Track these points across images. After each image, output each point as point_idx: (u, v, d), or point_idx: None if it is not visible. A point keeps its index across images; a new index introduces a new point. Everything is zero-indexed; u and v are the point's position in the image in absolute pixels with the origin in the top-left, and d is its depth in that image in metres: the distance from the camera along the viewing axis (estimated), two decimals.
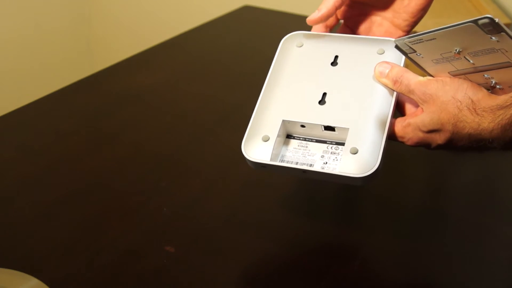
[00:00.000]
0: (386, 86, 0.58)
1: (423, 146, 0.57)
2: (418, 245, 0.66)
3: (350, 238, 0.67)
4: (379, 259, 0.64)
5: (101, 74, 1.06)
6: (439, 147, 0.56)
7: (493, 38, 0.50)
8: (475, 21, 0.49)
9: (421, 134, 0.56)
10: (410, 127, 0.56)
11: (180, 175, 0.76)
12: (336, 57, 0.61)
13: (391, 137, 0.57)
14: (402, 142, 0.57)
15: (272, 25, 1.41)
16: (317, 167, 0.55)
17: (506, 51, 0.51)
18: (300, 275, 0.60)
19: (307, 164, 0.56)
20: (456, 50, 0.53)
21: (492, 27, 0.49)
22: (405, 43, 0.55)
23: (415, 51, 0.56)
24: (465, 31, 0.51)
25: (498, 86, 0.54)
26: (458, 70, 0.55)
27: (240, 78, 1.07)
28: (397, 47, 0.56)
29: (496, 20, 0.48)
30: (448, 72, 0.56)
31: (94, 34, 2.37)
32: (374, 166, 0.54)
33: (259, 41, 1.29)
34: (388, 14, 0.65)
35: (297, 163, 0.56)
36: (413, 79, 0.56)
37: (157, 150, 0.81)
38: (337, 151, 0.57)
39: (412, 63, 0.58)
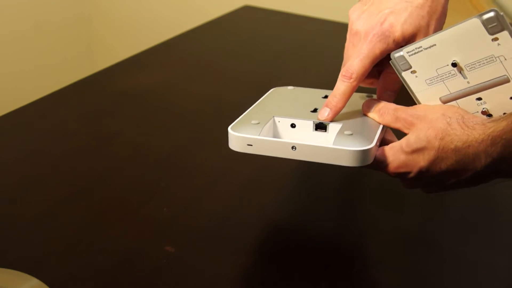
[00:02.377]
0: (373, 119, 0.58)
1: (402, 174, 0.54)
2: (417, 248, 0.66)
3: (350, 239, 0.67)
4: (378, 261, 0.64)
5: (101, 74, 1.06)
6: (420, 174, 0.53)
7: (494, 41, 0.50)
8: (479, 16, 0.50)
9: (402, 157, 0.53)
10: (392, 150, 0.54)
11: (180, 175, 0.76)
12: (326, 96, 0.63)
13: (369, 165, 0.54)
14: (380, 170, 0.55)
15: (272, 25, 1.41)
16: (308, 142, 0.53)
17: (505, 59, 0.51)
18: (300, 276, 0.60)
19: (297, 139, 0.54)
20: (453, 61, 0.53)
21: (497, 22, 0.49)
22: (402, 55, 0.55)
23: (410, 67, 0.55)
24: (467, 31, 0.51)
25: (489, 114, 0.54)
26: (450, 93, 0.55)
27: (240, 78, 1.07)
28: (392, 62, 0.56)
29: (501, 13, 0.49)
30: (440, 98, 0.56)
31: (94, 34, 2.37)
32: (371, 143, 0.52)
33: (259, 41, 1.29)
34: None
35: (286, 139, 0.55)
36: (400, 108, 0.56)
37: (157, 150, 0.81)
38: (329, 134, 0.56)
39: (404, 88, 0.58)
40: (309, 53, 1.23)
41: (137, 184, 0.73)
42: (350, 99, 0.61)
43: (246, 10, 1.49)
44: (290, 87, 0.68)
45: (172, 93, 1.00)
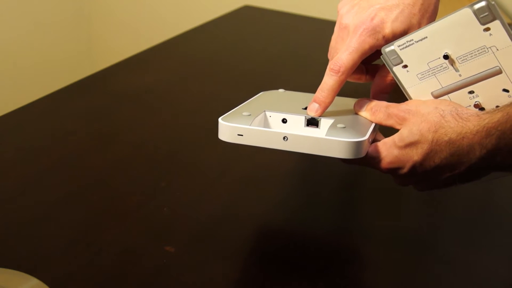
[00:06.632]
0: (365, 118, 0.58)
1: (395, 169, 0.54)
2: (416, 249, 0.66)
3: (349, 240, 0.67)
4: (377, 262, 0.64)
5: (101, 74, 1.06)
6: (413, 169, 0.53)
7: (486, 31, 0.50)
8: (471, 6, 0.49)
9: (396, 151, 0.53)
10: (385, 145, 0.54)
11: (180, 175, 0.76)
12: None
13: (361, 161, 0.54)
14: (373, 166, 0.55)
15: (272, 25, 1.41)
16: (300, 132, 0.52)
17: (497, 50, 0.50)
18: (299, 276, 0.60)
19: (289, 130, 0.53)
20: (445, 53, 0.52)
21: (488, 12, 0.49)
22: (393, 49, 0.55)
23: (401, 62, 0.55)
24: (458, 22, 0.51)
25: (481, 107, 0.54)
26: (442, 87, 0.54)
27: (240, 78, 1.07)
28: (383, 57, 0.56)
29: (493, 2, 0.48)
30: (431, 93, 0.55)
31: (94, 34, 2.37)
32: (364, 136, 0.52)
33: (259, 41, 1.29)
34: None
35: (278, 129, 0.54)
36: (392, 104, 0.56)
37: (157, 150, 0.81)
38: (321, 130, 0.56)
39: (396, 83, 0.58)
40: (309, 53, 1.23)
41: (137, 184, 0.73)
42: (341, 102, 0.61)
43: (246, 10, 1.49)
44: (280, 90, 0.68)
45: (172, 93, 1.00)
